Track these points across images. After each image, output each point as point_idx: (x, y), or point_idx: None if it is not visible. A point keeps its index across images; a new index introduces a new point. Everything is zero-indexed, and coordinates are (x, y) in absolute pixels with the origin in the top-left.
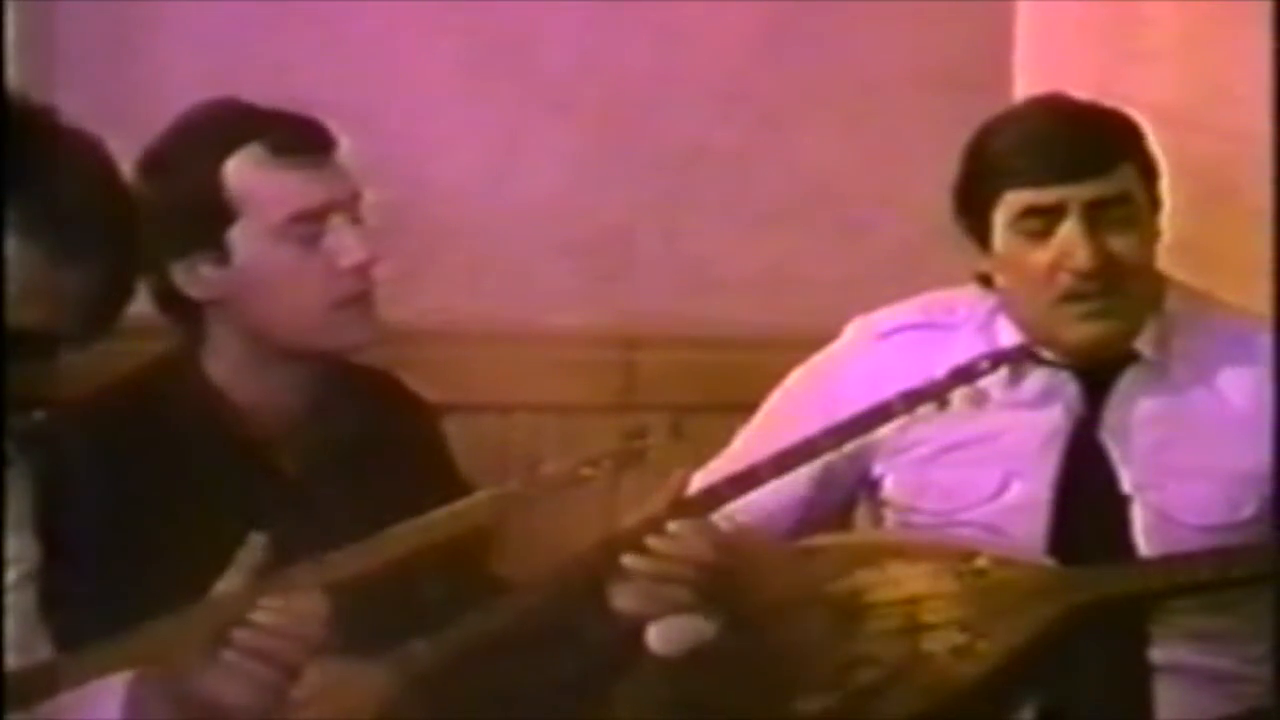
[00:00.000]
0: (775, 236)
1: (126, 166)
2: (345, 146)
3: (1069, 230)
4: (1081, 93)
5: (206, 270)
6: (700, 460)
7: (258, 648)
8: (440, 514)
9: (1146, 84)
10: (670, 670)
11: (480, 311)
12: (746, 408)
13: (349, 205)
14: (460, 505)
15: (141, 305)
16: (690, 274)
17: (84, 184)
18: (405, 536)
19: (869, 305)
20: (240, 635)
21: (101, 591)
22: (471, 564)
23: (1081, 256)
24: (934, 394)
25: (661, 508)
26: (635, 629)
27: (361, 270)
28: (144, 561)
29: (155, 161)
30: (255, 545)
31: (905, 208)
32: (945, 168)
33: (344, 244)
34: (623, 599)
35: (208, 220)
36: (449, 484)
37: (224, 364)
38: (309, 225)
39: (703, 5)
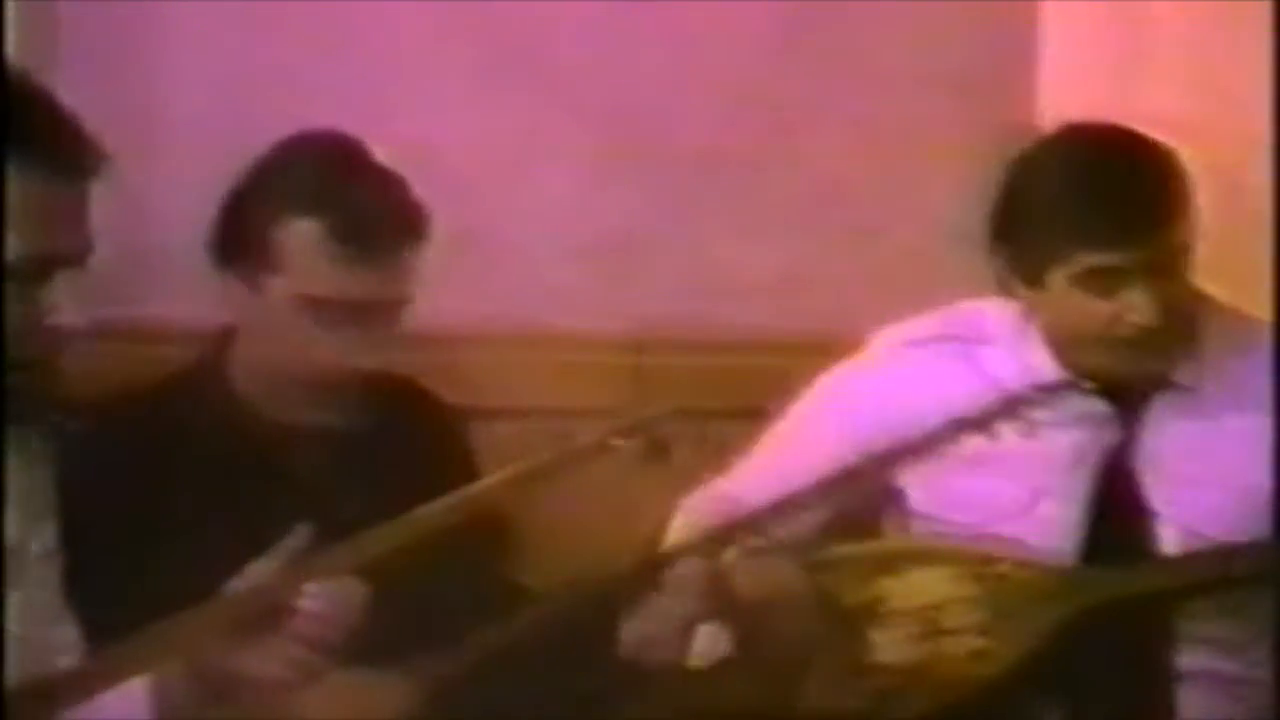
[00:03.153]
0: (787, 240)
1: (127, 165)
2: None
3: (1137, 293)
4: (1097, 98)
5: (240, 290)
6: (715, 465)
7: (303, 633)
8: (473, 488)
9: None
10: (688, 680)
11: (494, 314)
12: (758, 412)
13: (386, 308)
14: (493, 478)
15: (151, 308)
16: (702, 278)
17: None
18: (436, 514)
19: (881, 309)
20: (285, 620)
21: (120, 595)
22: (493, 569)
23: (1147, 314)
24: (983, 423)
25: (700, 538)
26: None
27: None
28: (163, 567)
29: (246, 172)
30: (302, 534)
31: (918, 212)
32: (958, 171)
33: (371, 338)
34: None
35: (253, 256)
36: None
37: (252, 370)
38: (340, 312)
39: (716, 7)
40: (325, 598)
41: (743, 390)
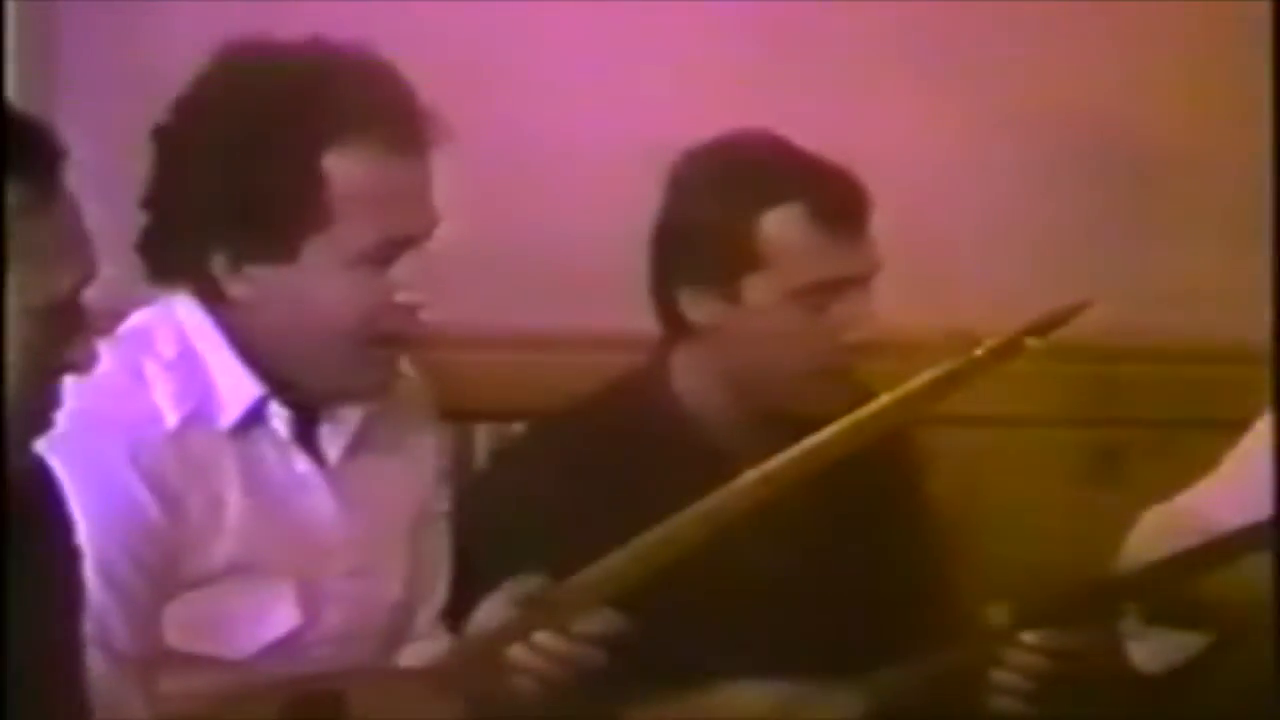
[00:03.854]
0: (1229, 246)
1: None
2: None
3: None
4: None
5: (712, 302)
6: (1179, 478)
7: (537, 670)
8: (876, 404)
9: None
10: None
11: (934, 321)
12: (1223, 424)
13: (863, 280)
14: (908, 385)
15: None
16: (1143, 284)
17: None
18: (833, 438)
19: None
20: (521, 658)
21: None
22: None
23: None
24: None
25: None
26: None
27: (855, 347)
28: None
29: (686, 186)
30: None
31: None
32: None
33: (853, 315)
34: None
35: (729, 261)
36: (919, 512)
37: (694, 382)
38: (826, 294)
39: (1160, 8)
40: (563, 643)
41: (1203, 400)
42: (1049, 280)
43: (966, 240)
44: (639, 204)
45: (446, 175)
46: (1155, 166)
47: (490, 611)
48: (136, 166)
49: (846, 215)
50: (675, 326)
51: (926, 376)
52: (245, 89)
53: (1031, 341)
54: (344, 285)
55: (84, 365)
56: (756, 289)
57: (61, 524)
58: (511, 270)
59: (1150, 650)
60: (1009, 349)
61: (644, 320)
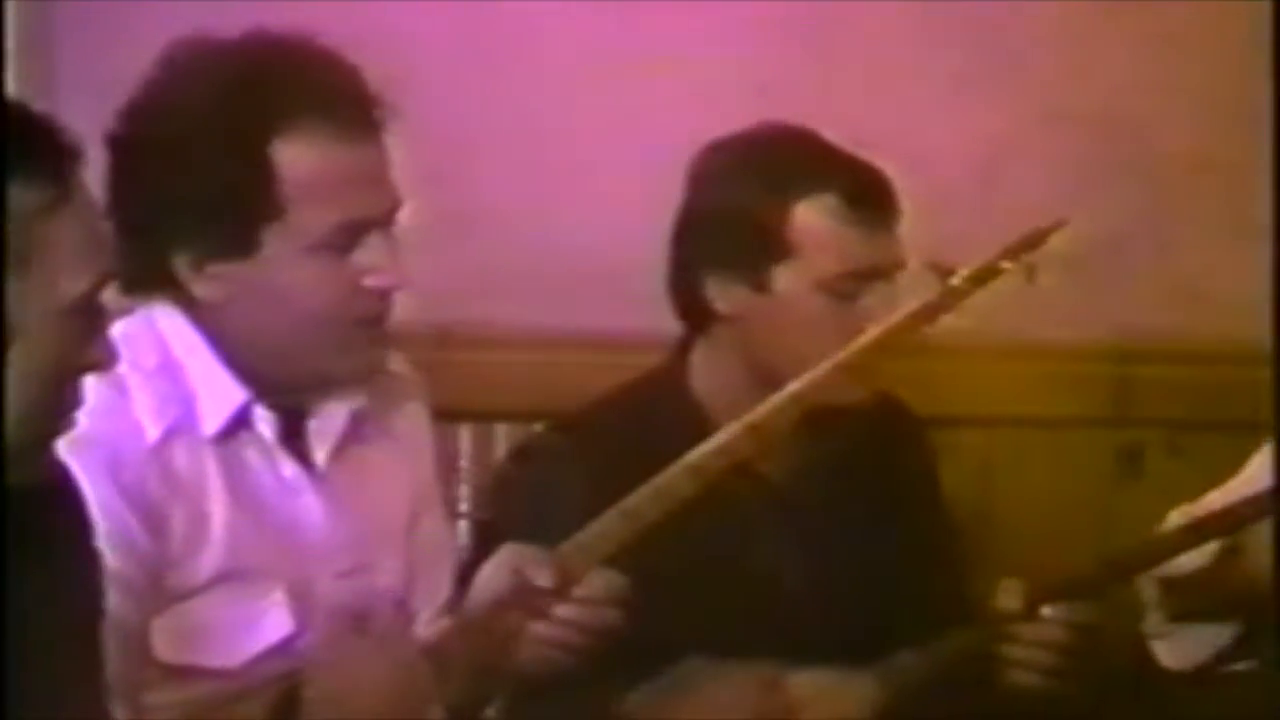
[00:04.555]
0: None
1: None
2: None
3: None
4: None
5: (740, 291)
6: (1198, 479)
7: (555, 639)
8: (851, 348)
9: None
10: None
11: (966, 324)
12: (1242, 426)
13: (890, 272)
14: (877, 330)
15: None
16: (1183, 286)
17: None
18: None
19: None
20: (538, 629)
21: None
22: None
23: None
24: None
25: (1172, 532)
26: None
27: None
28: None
29: (716, 175)
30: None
31: None
32: None
33: (876, 308)
34: None
35: (759, 249)
36: (933, 503)
37: (713, 380)
38: (854, 284)
39: (1194, 8)
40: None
41: (1226, 402)
42: (1080, 279)
43: (997, 238)
44: (660, 205)
45: (465, 178)
46: (1183, 169)
47: (487, 581)
48: None
49: (877, 206)
50: (697, 319)
51: (905, 309)
52: (189, 87)
53: (1006, 265)
54: (308, 273)
55: (103, 364)
56: (786, 278)
57: (82, 526)
58: (531, 271)
59: (1177, 648)
60: (985, 274)
61: (663, 321)
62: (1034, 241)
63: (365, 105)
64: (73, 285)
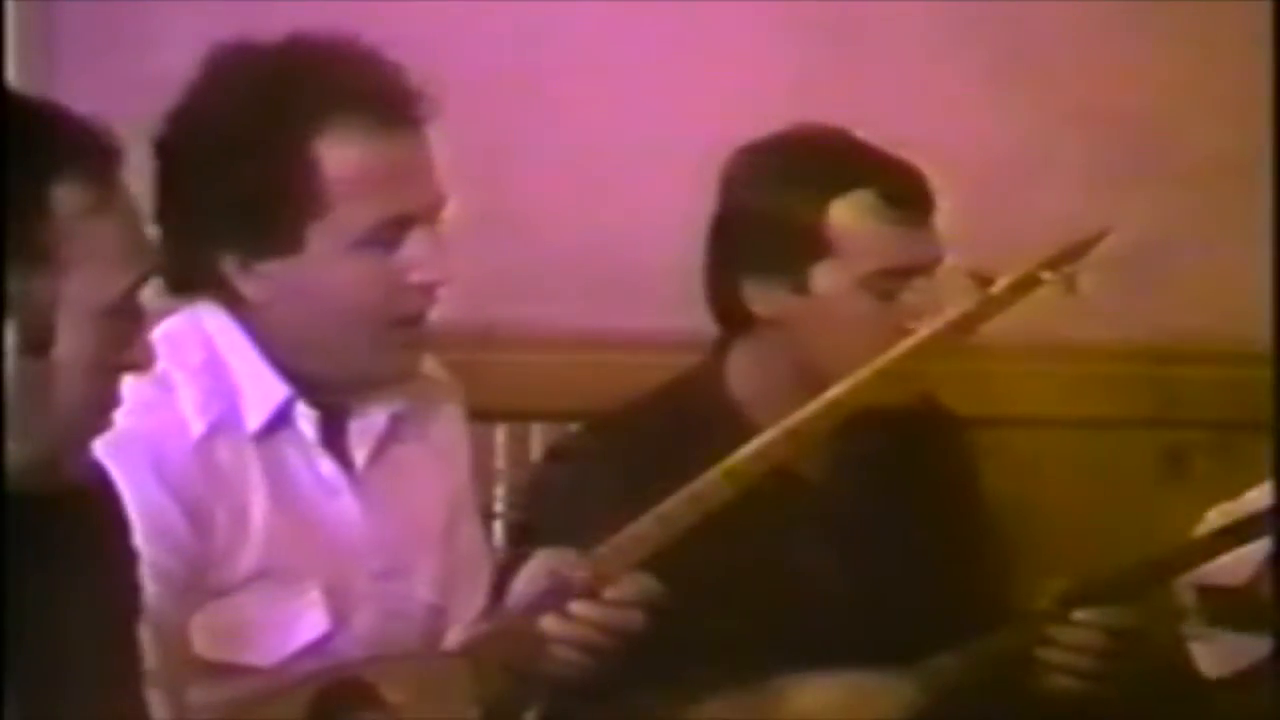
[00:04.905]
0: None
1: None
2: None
3: None
4: None
5: (779, 293)
6: (1240, 480)
7: (576, 639)
8: (893, 352)
9: None
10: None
11: (1011, 325)
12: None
13: (929, 268)
14: (932, 325)
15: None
16: (1215, 288)
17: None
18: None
19: None
20: (558, 629)
21: None
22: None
23: None
24: None
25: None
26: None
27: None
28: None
29: (751, 177)
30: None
31: None
32: None
33: (917, 305)
34: None
35: (797, 249)
36: (974, 502)
37: (751, 381)
38: (894, 281)
39: (1228, 6)
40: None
41: (1268, 404)
42: (1122, 280)
43: (1032, 237)
44: (696, 205)
45: (502, 179)
46: (1219, 169)
47: (524, 584)
48: (136, 166)
49: (913, 202)
50: (735, 321)
51: (945, 317)
52: (231, 89)
53: (1047, 275)
54: (353, 269)
55: (143, 364)
56: (825, 277)
57: (119, 524)
58: (567, 272)
59: (1215, 653)
60: (1025, 284)
61: (700, 322)
62: (1076, 253)
63: (406, 100)
64: (113, 286)
